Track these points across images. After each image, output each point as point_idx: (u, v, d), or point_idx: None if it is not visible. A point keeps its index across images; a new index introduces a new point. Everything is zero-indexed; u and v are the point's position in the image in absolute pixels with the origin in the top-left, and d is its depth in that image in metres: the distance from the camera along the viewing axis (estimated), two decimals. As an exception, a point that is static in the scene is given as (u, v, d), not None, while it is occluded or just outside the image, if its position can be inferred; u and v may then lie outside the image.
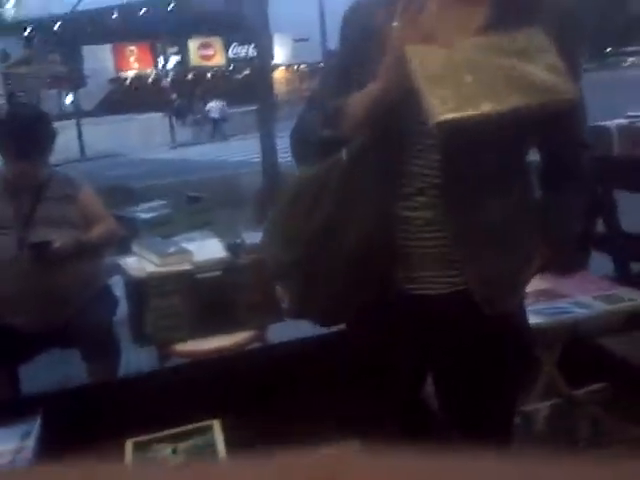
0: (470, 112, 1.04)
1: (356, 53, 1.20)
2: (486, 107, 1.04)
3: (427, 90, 1.05)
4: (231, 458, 0.21)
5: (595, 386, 2.27)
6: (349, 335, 1.36)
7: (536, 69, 1.07)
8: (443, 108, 1.04)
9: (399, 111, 1.13)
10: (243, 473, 0.20)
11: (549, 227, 1.24)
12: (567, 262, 1.45)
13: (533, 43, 1.10)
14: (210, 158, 15.76)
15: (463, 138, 1.10)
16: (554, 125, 1.17)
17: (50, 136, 2.59)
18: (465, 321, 1.20)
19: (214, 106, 27.03)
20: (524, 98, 1.06)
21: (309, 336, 2.03)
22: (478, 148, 1.12)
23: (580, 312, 2.15)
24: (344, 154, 1.19)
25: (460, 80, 1.06)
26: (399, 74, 1.08)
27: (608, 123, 2.60)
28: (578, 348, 2.37)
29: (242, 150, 16.16)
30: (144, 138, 23.17)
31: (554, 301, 2.21)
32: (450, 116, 1.04)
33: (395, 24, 1.10)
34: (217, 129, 25.30)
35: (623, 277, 2.59)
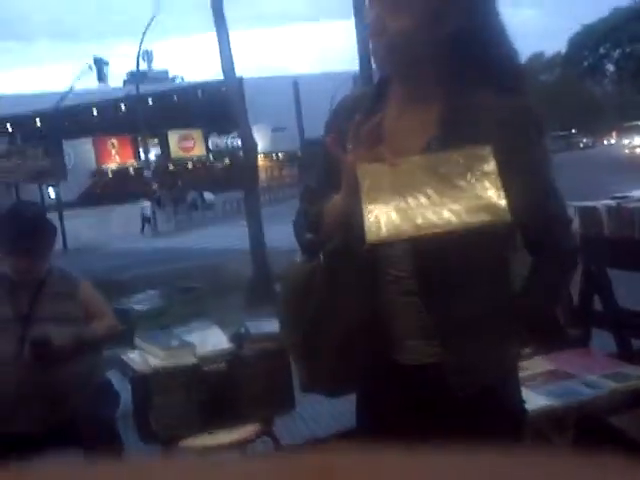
0: (401, 235, 1.12)
1: (329, 164, 1.26)
2: (418, 229, 1.11)
3: (366, 210, 1.13)
4: (225, 457, 0.21)
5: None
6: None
7: (473, 190, 1.12)
8: (376, 230, 1.12)
9: (358, 220, 1.17)
10: (238, 471, 0.20)
11: (527, 308, 1.28)
12: (552, 339, 1.47)
13: (476, 162, 1.13)
14: (192, 246, 15.80)
15: (427, 247, 1.16)
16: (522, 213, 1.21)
17: (51, 233, 2.61)
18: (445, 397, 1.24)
19: (197, 195, 27.39)
20: (457, 220, 1.10)
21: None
22: (443, 254, 1.18)
23: (589, 392, 2.15)
24: (322, 257, 1.26)
25: (398, 201, 1.13)
26: (350, 191, 1.16)
27: (596, 203, 2.69)
28: (587, 428, 2.36)
29: (225, 237, 16.25)
30: (126, 228, 23.23)
31: (562, 381, 2.22)
32: (382, 236, 1.11)
33: (348, 144, 1.17)
34: (199, 216, 25.57)
35: (626, 354, 2.61)
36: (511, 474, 0.19)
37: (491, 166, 1.12)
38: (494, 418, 1.25)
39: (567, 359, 2.40)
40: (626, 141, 42.60)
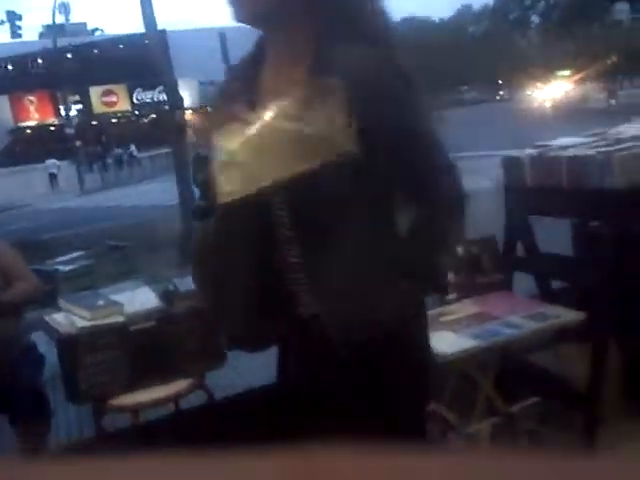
0: (254, 187, 1.12)
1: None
2: (269, 180, 1.11)
3: (219, 172, 1.14)
4: (210, 455, 0.20)
5: (529, 401, 2.36)
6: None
7: (311, 128, 1.12)
8: (227, 190, 1.13)
9: None
10: (222, 471, 0.20)
11: (407, 260, 1.27)
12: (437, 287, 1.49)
13: (322, 97, 1.12)
14: (121, 204, 15.40)
15: (297, 194, 1.19)
16: (392, 161, 1.23)
17: None
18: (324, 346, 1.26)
19: (122, 150, 26.64)
20: (304, 161, 1.11)
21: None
22: (314, 201, 1.20)
23: (511, 332, 2.24)
24: (213, 222, 1.28)
25: (249, 157, 1.13)
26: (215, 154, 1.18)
27: (519, 153, 2.76)
28: (510, 366, 2.47)
29: (153, 194, 15.90)
30: (49, 187, 22.39)
31: (485, 324, 2.30)
32: (235, 195, 1.13)
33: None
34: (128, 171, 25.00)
35: (545, 295, 2.73)
36: (503, 476, 0.19)
37: (337, 99, 1.11)
38: (392, 368, 1.26)
39: (491, 302, 2.48)
40: (546, 92, 43.92)
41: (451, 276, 2.51)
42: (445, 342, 2.15)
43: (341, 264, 1.22)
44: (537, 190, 2.63)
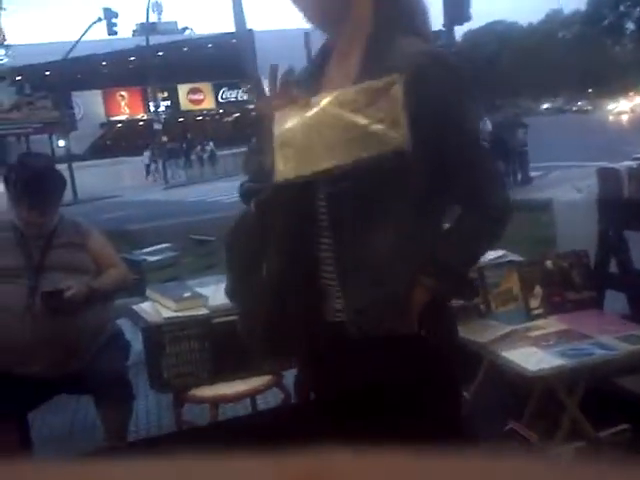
0: (309, 170, 1.16)
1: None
2: (325, 164, 1.14)
3: (276, 151, 1.18)
4: (213, 458, 0.20)
5: (618, 427, 2.25)
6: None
7: (368, 121, 1.14)
8: (285, 168, 1.16)
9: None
10: (225, 473, 0.19)
11: (438, 259, 1.28)
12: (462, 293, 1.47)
13: (379, 94, 1.15)
14: (203, 199, 15.81)
15: (338, 184, 1.20)
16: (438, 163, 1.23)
17: (60, 185, 2.59)
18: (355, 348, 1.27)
19: (207, 147, 27.39)
20: (360, 151, 1.13)
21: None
22: (354, 192, 1.21)
23: (602, 353, 2.14)
24: (253, 204, 1.31)
25: (305, 140, 1.17)
26: (268, 136, 1.22)
27: (617, 166, 2.64)
28: (599, 389, 2.36)
29: (235, 191, 16.22)
30: (137, 180, 23.26)
31: (574, 342, 2.21)
32: (290, 175, 1.16)
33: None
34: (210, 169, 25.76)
35: (638, 315, 2.59)
36: (505, 477, 0.19)
37: (391, 96, 1.14)
38: (419, 365, 1.26)
39: (581, 320, 2.38)
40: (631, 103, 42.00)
41: (539, 290, 2.43)
42: (530, 358, 2.08)
43: (373, 259, 1.23)
44: (635, 204, 2.51)
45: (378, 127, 1.13)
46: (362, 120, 1.14)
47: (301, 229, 1.28)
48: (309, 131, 1.17)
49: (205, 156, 27.62)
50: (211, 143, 28.66)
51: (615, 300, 2.73)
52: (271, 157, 1.21)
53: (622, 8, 35.47)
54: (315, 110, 1.18)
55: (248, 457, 0.20)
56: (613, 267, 2.68)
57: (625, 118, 33.46)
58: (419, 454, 0.19)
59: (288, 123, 1.19)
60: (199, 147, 28.58)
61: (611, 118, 34.25)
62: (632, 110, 38.51)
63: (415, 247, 1.25)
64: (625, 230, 2.66)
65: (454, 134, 1.23)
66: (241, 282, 1.36)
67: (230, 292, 1.42)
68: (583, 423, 2.20)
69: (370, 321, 1.24)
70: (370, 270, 1.23)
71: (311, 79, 1.33)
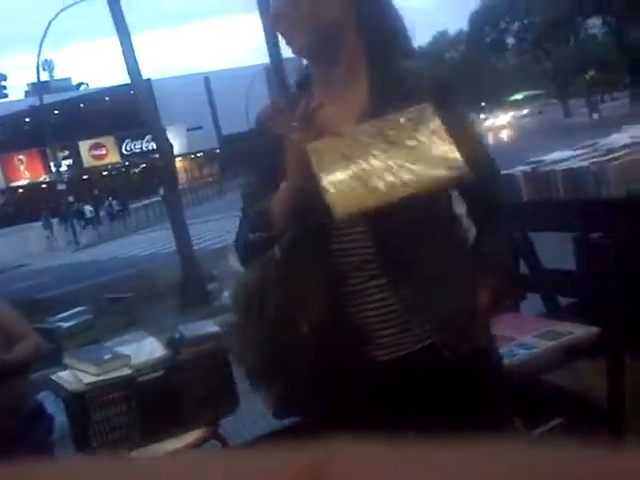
0: (368, 203, 1.11)
1: (269, 156, 1.25)
2: (384, 195, 1.10)
3: (324, 186, 1.11)
4: (217, 453, 0.20)
5: (553, 422, 2.31)
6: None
7: (427, 148, 1.13)
8: (344, 204, 1.11)
9: (314, 201, 1.15)
10: (229, 467, 0.19)
11: (488, 257, 1.31)
12: (516, 288, 1.56)
13: (421, 121, 1.15)
14: (118, 255, 15.38)
15: (382, 214, 1.16)
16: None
17: None
18: (439, 373, 1.24)
19: (114, 202, 26.87)
20: (420, 179, 1.11)
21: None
22: (399, 217, 1.18)
23: (524, 352, 2.21)
24: (276, 251, 1.22)
25: (354, 170, 1.12)
26: (302, 173, 1.14)
27: (513, 171, 2.76)
28: (529, 388, 2.43)
29: (149, 243, 15.90)
30: (44, 246, 22.38)
31: (503, 344, 2.27)
32: (352, 210, 1.11)
33: (293, 125, 1.16)
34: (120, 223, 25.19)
35: (553, 312, 2.70)
36: (510, 470, 0.18)
37: (436, 123, 1.14)
38: (486, 380, 1.27)
39: (501, 324, 2.45)
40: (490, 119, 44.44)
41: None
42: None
43: (433, 280, 1.22)
44: (534, 205, 2.63)
45: (439, 151, 1.12)
46: (418, 145, 1.13)
47: (339, 269, 1.22)
48: (356, 160, 1.12)
49: (115, 211, 27.01)
50: (118, 198, 28.15)
51: (530, 302, 2.84)
52: (296, 195, 1.16)
53: (502, 25, 37.65)
54: (353, 138, 1.14)
55: (248, 454, 0.19)
56: (524, 269, 2.79)
57: (505, 131, 35.42)
58: (424, 447, 0.19)
59: (326, 154, 1.13)
60: (107, 203, 27.95)
61: (492, 131, 36.20)
62: (509, 123, 40.93)
63: (462, 255, 1.28)
64: (529, 232, 2.78)
65: (474, 145, 1.25)
66: (268, 351, 1.23)
67: (250, 369, 1.30)
68: (516, 423, 2.25)
69: (456, 339, 1.23)
70: (434, 291, 1.21)
71: (298, 114, 1.23)
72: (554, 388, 2.53)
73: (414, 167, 1.11)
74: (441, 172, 1.11)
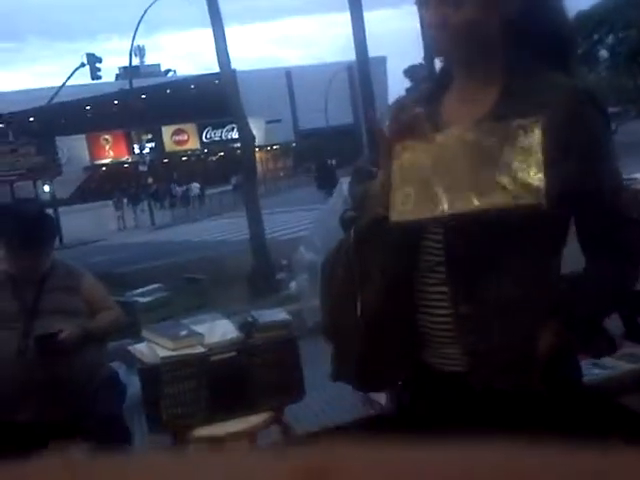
0: (426, 214, 1.09)
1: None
2: (444, 209, 1.06)
3: (394, 188, 1.11)
4: (222, 452, 0.20)
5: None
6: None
7: (504, 170, 1.05)
8: (401, 209, 1.10)
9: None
10: (233, 466, 0.19)
11: (567, 303, 1.19)
12: (589, 344, 1.34)
13: (516, 135, 1.06)
14: (190, 239, 15.78)
15: (459, 224, 1.12)
16: (577, 200, 1.15)
17: (51, 229, 2.60)
18: (484, 400, 1.17)
19: (193, 187, 27.52)
20: (485, 201, 1.04)
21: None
22: (474, 234, 1.13)
23: (602, 373, 2.14)
24: (352, 234, 1.24)
25: (426, 180, 1.09)
26: (387, 169, 1.15)
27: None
28: (601, 410, 2.35)
29: (221, 229, 16.23)
30: (122, 223, 23.21)
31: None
32: (407, 217, 1.10)
33: (387, 124, 1.16)
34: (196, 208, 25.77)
35: (632, 333, 2.60)
36: (516, 469, 0.19)
37: (532, 140, 1.04)
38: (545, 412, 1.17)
39: (577, 341, 2.39)
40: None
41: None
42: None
43: (495, 303, 1.13)
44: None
45: (516, 174, 1.03)
46: (499, 162, 1.05)
47: (405, 264, 1.19)
48: (433, 172, 1.09)
49: (192, 196, 27.71)
50: (197, 183, 28.83)
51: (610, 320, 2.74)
52: (381, 188, 1.15)
53: (595, 37, 36.35)
54: (442, 148, 1.10)
55: (250, 454, 0.20)
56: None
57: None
58: (422, 449, 0.19)
59: (410, 159, 1.11)
60: (185, 187, 28.69)
61: None
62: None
63: (539, 291, 1.16)
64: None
65: (594, 175, 1.14)
66: (333, 319, 1.27)
67: (323, 327, 1.34)
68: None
69: (494, 372, 1.14)
70: (493, 315, 1.14)
71: (429, 108, 1.21)
72: (629, 413, 2.44)
73: (481, 187, 1.05)
74: (506, 198, 1.03)
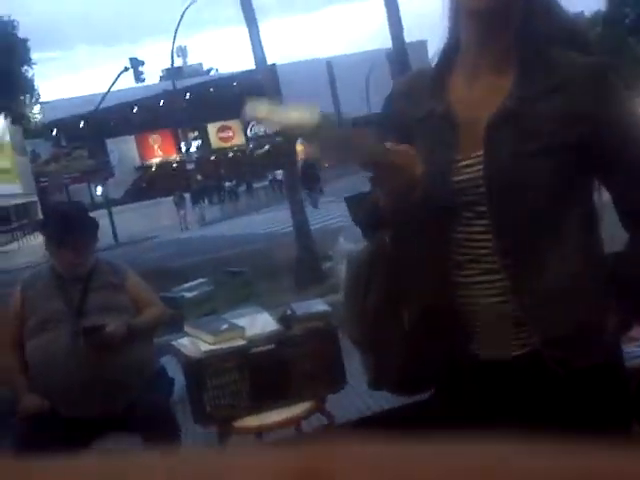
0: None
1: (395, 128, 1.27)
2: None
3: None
4: (220, 450, 0.20)
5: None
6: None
7: None
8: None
9: (439, 186, 1.14)
10: (230, 465, 0.19)
11: (619, 277, 1.17)
12: None
13: None
14: (240, 232, 15.99)
15: (509, 198, 1.11)
16: (614, 167, 1.15)
17: (92, 227, 2.68)
18: (544, 383, 1.15)
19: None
20: None
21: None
22: (526, 205, 1.12)
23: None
24: (387, 234, 1.21)
25: None
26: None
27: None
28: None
29: (269, 222, 16.37)
30: (173, 220, 23.66)
31: (626, 345, 2.15)
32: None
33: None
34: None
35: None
36: (510, 467, 0.18)
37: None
38: (600, 392, 1.16)
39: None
40: None
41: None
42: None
43: (557, 284, 1.12)
44: None
45: None
46: None
47: (454, 259, 1.17)
48: None
49: (240, 190, 28.01)
50: (242, 179, 29.13)
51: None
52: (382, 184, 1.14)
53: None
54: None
55: (247, 453, 0.20)
56: None
57: None
58: (417, 448, 0.19)
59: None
60: (234, 182, 29.04)
61: None
62: None
63: (593, 267, 1.16)
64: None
65: (628, 146, 1.14)
66: (372, 329, 1.23)
67: (359, 340, 1.29)
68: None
69: (568, 355, 1.13)
70: (557, 296, 1.13)
71: (432, 95, 1.20)
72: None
73: None
74: None
